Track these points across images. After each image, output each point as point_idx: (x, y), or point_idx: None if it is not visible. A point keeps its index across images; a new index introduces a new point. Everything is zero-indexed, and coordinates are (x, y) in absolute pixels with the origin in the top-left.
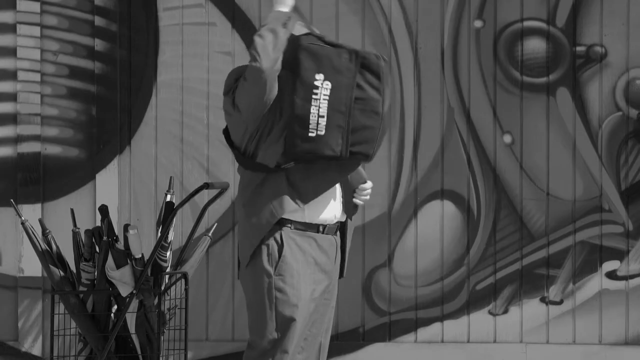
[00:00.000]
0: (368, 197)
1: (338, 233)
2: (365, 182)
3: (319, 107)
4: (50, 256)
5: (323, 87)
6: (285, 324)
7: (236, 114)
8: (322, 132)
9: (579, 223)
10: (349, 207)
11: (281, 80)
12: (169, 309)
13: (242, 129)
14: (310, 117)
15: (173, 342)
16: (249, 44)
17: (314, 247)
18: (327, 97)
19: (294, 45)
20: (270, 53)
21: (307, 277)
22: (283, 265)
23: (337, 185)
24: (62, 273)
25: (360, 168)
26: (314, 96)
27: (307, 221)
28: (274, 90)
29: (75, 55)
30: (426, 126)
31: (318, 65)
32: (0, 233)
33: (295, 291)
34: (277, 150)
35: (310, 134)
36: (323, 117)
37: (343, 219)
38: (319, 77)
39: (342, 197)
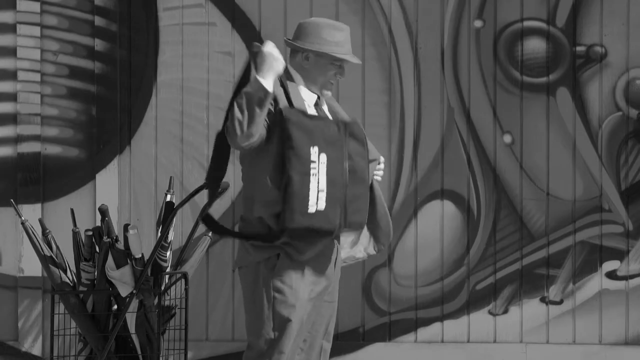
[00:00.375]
0: (382, 172)
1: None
2: (378, 162)
3: (319, 181)
4: (50, 256)
5: (320, 160)
6: (282, 324)
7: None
8: (323, 207)
9: (579, 223)
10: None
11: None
12: (169, 309)
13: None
14: (310, 193)
15: (173, 342)
16: (228, 107)
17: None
18: (325, 170)
19: (282, 120)
20: (244, 130)
21: (306, 278)
22: (282, 265)
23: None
24: (62, 273)
25: (371, 146)
26: (312, 170)
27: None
28: (256, 142)
29: (75, 55)
30: (426, 126)
31: (311, 139)
32: (0, 233)
33: (293, 291)
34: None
35: (310, 210)
36: (323, 191)
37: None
38: (314, 150)
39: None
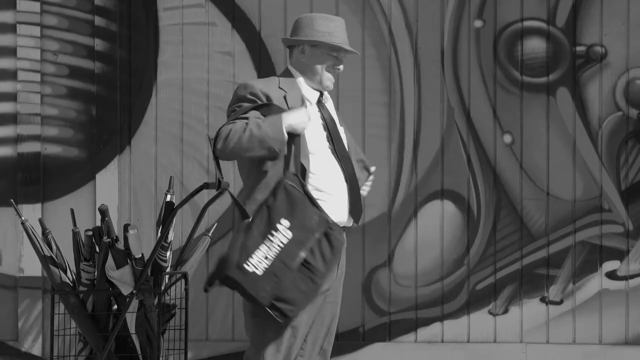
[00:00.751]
0: (369, 187)
1: (344, 237)
2: (369, 173)
3: (269, 249)
4: (50, 256)
5: (283, 234)
6: (282, 325)
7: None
8: (259, 273)
9: (579, 223)
10: (356, 210)
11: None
12: (169, 309)
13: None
14: (256, 252)
15: (173, 342)
16: (228, 114)
17: None
18: (282, 245)
19: (279, 182)
20: (235, 153)
21: None
22: None
23: (345, 190)
24: (62, 273)
25: (361, 155)
26: (270, 237)
27: None
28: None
29: (75, 55)
30: (426, 126)
31: (290, 212)
32: (0, 233)
33: None
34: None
35: (246, 266)
36: (267, 259)
37: (349, 224)
38: (285, 223)
39: (349, 202)
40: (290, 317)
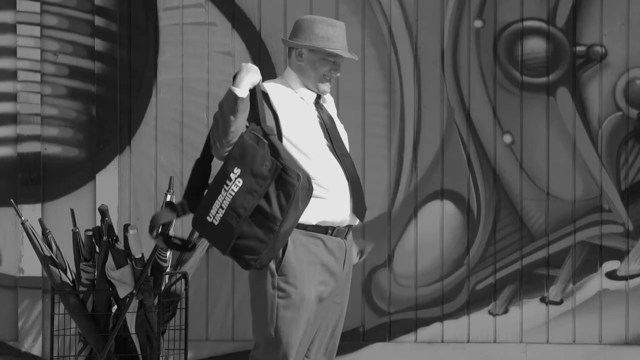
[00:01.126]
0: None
1: (350, 236)
2: (361, 254)
3: (224, 199)
4: (50, 256)
5: (235, 182)
6: (286, 324)
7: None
8: (216, 223)
9: (579, 223)
10: (359, 208)
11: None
12: (169, 309)
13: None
14: (214, 203)
15: (173, 342)
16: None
17: (321, 249)
18: (233, 194)
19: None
20: (222, 140)
21: (312, 278)
22: (286, 265)
23: (346, 188)
24: (62, 273)
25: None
26: (224, 186)
27: (315, 223)
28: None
29: (75, 55)
30: (426, 126)
31: (240, 159)
32: (0, 233)
33: (298, 292)
34: None
35: (207, 218)
36: (223, 209)
37: (354, 223)
38: (237, 171)
39: (352, 200)
40: (254, 266)
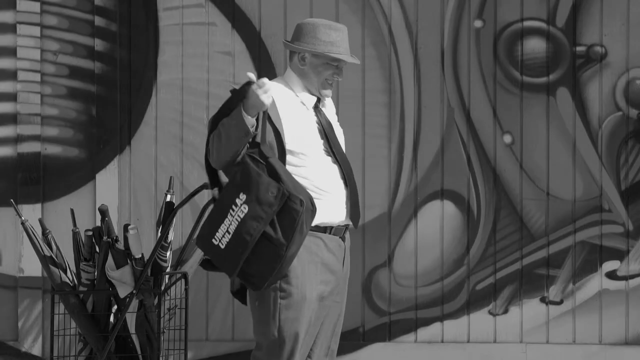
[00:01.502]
0: None
1: (348, 235)
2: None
3: (230, 223)
4: (50, 256)
5: (240, 208)
6: (289, 325)
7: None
8: (223, 246)
9: (579, 223)
10: (354, 213)
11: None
12: (169, 309)
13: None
14: (220, 227)
15: (173, 342)
16: (209, 127)
17: (322, 248)
18: (239, 220)
19: (242, 155)
20: (221, 160)
21: (313, 277)
22: None
23: (343, 191)
24: (62, 273)
25: None
26: (230, 211)
27: (315, 224)
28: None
29: (75, 55)
30: (426, 126)
31: (245, 186)
32: (0, 233)
33: (300, 292)
34: None
35: (213, 241)
36: (230, 234)
37: (349, 223)
38: (242, 197)
39: (349, 204)
40: (257, 288)
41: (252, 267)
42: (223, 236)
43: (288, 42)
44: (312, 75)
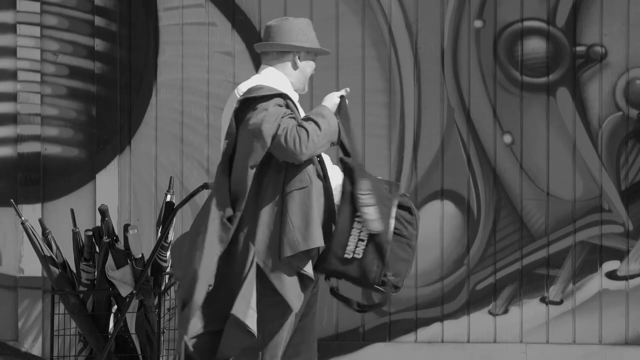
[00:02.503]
0: None
1: None
2: None
3: (361, 230)
4: (50, 256)
5: (365, 213)
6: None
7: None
8: (359, 256)
9: (579, 223)
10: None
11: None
12: (169, 309)
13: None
14: (350, 239)
15: (173, 342)
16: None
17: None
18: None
19: (346, 167)
20: (312, 149)
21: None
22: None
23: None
24: (62, 273)
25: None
26: (357, 219)
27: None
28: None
29: (75, 55)
30: (426, 126)
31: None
32: (0, 233)
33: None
34: None
35: (346, 256)
36: (363, 241)
37: None
38: (363, 199)
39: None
40: (399, 287)
41: (391, 267)
42: (357, 246)
43: (277, 42)
44: (305, 71)
